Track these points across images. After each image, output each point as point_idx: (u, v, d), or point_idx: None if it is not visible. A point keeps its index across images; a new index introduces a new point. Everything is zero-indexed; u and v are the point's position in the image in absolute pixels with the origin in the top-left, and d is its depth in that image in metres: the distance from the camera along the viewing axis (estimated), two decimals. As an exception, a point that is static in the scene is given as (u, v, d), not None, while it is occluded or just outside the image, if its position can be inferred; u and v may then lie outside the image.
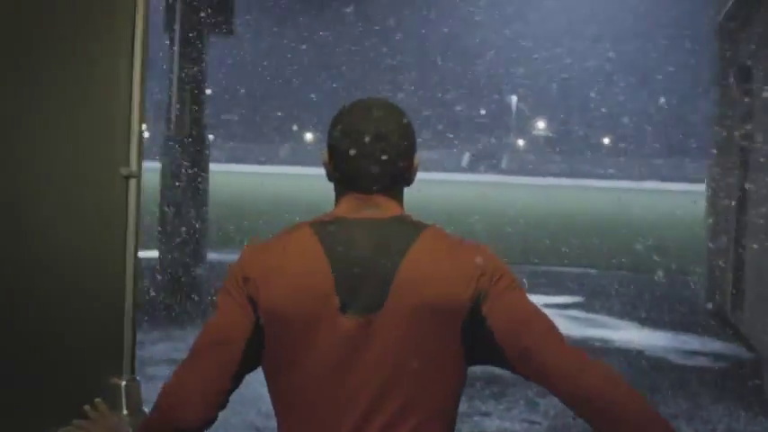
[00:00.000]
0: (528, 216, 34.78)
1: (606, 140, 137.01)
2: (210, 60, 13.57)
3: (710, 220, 13.57)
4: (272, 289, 2.01)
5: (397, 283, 2.00)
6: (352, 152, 2.04)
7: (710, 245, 13.61)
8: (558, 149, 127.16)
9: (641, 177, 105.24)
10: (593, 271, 18.26)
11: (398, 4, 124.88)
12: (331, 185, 2.17)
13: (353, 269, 2.00)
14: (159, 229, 12.70)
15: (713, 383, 8.93)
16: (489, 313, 2.02)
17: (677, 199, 67.35)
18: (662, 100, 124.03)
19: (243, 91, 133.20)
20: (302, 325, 2.00)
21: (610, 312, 12.95)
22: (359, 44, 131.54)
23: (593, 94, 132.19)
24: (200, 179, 12.75)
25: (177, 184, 12.57)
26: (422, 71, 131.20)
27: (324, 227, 2.05)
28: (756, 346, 10.39)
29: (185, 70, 12.71)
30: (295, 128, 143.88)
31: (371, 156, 2.04)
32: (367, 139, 2.04)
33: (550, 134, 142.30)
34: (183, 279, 12.39)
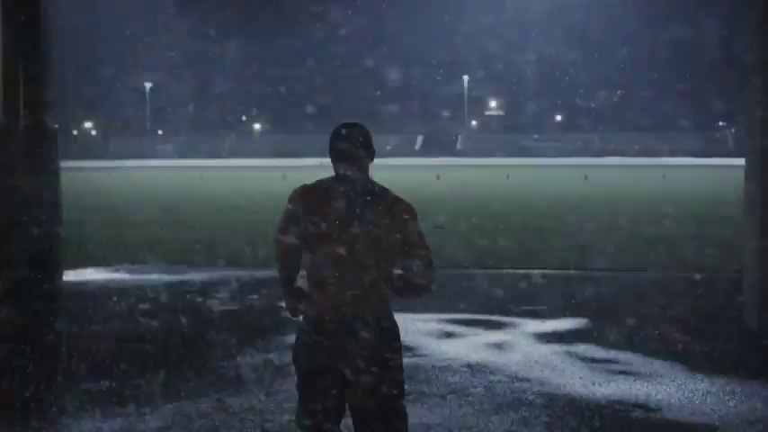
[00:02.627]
0: (490, 203, 31.08)
1: (559, 117, 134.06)
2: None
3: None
4: (313, 212, 4.35)
5: (375, 212, 4.34)
6: (342, 147, 4.41)
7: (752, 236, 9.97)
8: (511, 128, 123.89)
9: (601, 153, 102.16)
10: (583, 273, 14.53)
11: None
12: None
13: (352, 203, 4.34)
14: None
15: None
16: (407, 232, 4.38)
17: (645, 174, 64.23)
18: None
19: (185, 80, 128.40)
20: (325, 229, 4.31)
21: (632, 344, 9.21)
22: (301, 23, 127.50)
23: (543, 69, 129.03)
24: (44, 180, 8.93)
25: (11, 186, 8.79)
26: (373, 55, 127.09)
27: (337, 180, 4.40)
28: None
29: (14, 43, 8.96)
30: (244, 118, 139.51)
31: (352, 150, 4.40)
32: (348, 141, 4.42)
33: (503, 113, 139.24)
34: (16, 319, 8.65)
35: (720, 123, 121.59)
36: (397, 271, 4.27)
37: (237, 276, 14.14)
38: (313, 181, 4.50)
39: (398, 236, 4.34)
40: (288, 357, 8.24)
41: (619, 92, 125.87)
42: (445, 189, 41.82)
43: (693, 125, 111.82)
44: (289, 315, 4.49)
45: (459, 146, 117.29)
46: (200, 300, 12.13)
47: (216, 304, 11.79)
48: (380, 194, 4.40)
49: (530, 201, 33.32)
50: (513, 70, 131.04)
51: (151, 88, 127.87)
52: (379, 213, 4.32)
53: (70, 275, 14.31)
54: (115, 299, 12.15)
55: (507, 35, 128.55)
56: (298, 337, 4.50)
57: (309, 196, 4.39)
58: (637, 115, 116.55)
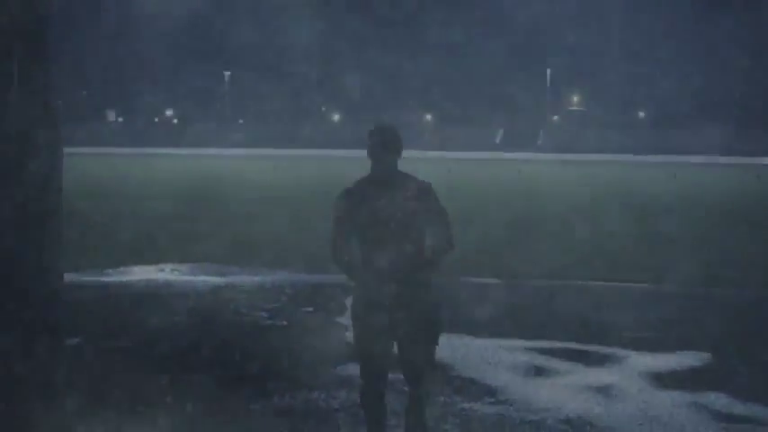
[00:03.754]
0: (570, 203, 28.93)
1: (642, 114, 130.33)
2: None
3: None
4: (354, 207, 5.24)
5: (404, 197, 5.23)
6: (377, 145, 5.27)
7: None
8: (594, 124, 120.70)
9: (688, 151, 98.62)
10: (678, 289, 12.31)
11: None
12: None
13: (382, 197, 5.20)
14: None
15: None
16: (428, 208, 5.27)
17: (735, 174, 60.94)
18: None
19: (262, 68, 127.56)
20: (366, 217, 5.18)
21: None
22: (379, 15, 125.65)
23: (627, 67, 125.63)
24: (46, 168, 7.26)
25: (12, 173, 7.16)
26: (450, 49, 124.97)
27: (372, 176, 5.32)
28: None
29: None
30: (324, 108, 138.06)
31: (385, 147, 5.26)
32: (382, 140, 5.27)
33: (585, 109, 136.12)
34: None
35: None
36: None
37: (293, 282, 12.33)
38: (354, 183, 5.40)
39: (422, 211, 5.27)
40: (337, 402, 6.51)
41: (703, 88, 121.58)
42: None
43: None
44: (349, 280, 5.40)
45: (540, 141, 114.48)
46: (243, 311, 10.31)
47: (261, 319, 9.97)
48: (407, 181, 5.33)
49: (617, 201, 31.06)
50: (598, 65, 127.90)
51: (230, 76, 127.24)
52: (408, 197, 5.26)
53: (111, 274, 12.75)
54: (144, 306, 10.43)
55: (591, 28, 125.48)
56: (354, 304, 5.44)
57: (352, 197, 5.32)
58: (725, 113, 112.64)
